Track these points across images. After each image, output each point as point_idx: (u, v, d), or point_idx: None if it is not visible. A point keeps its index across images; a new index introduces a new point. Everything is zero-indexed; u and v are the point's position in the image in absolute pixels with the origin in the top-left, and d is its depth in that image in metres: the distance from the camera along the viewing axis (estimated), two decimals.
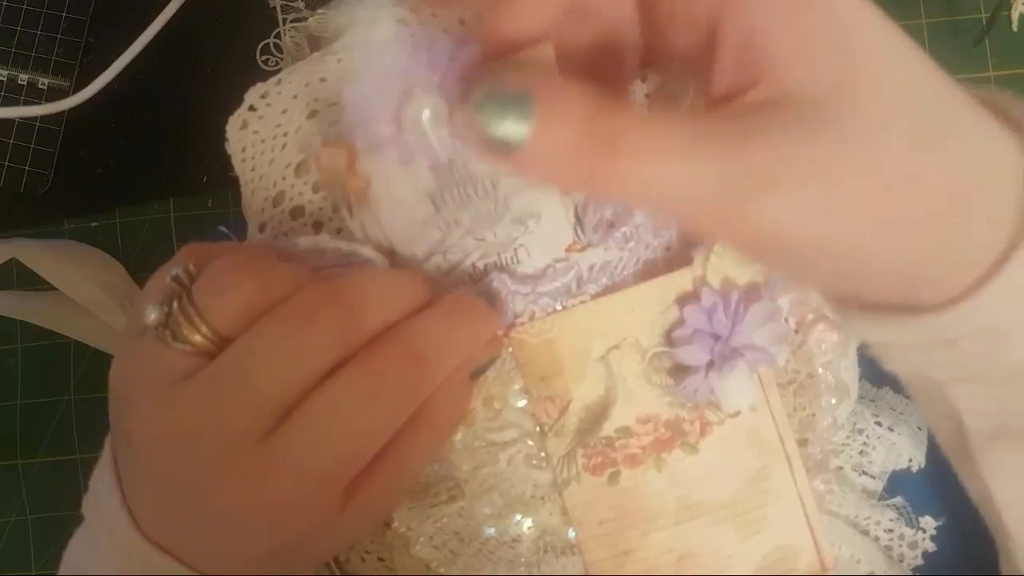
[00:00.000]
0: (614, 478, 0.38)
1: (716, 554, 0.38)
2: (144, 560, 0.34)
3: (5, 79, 0.59)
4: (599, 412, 0.38)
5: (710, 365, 0.37)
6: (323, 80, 0.43)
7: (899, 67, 0.29)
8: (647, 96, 0.40)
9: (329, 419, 0.32)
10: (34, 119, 0.59)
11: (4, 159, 0.59)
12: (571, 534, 0.39)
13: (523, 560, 0.39)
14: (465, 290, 0.38)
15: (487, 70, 0.29)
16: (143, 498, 0.34)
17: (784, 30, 0.27)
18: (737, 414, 0.38)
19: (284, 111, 0.43)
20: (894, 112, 0.27)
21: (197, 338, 0.32)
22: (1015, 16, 0.55)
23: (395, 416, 0.33)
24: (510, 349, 0.38)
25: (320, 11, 0.50)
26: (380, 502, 0.36)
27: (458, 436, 0.39)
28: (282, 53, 0.53)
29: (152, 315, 0.33)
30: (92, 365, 0.59)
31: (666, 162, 0.26)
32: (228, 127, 0.43)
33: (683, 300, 0.38)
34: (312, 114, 0.42)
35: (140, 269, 0.59)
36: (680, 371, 0.38)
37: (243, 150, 0.45)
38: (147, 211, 0.59)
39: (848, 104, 0.26)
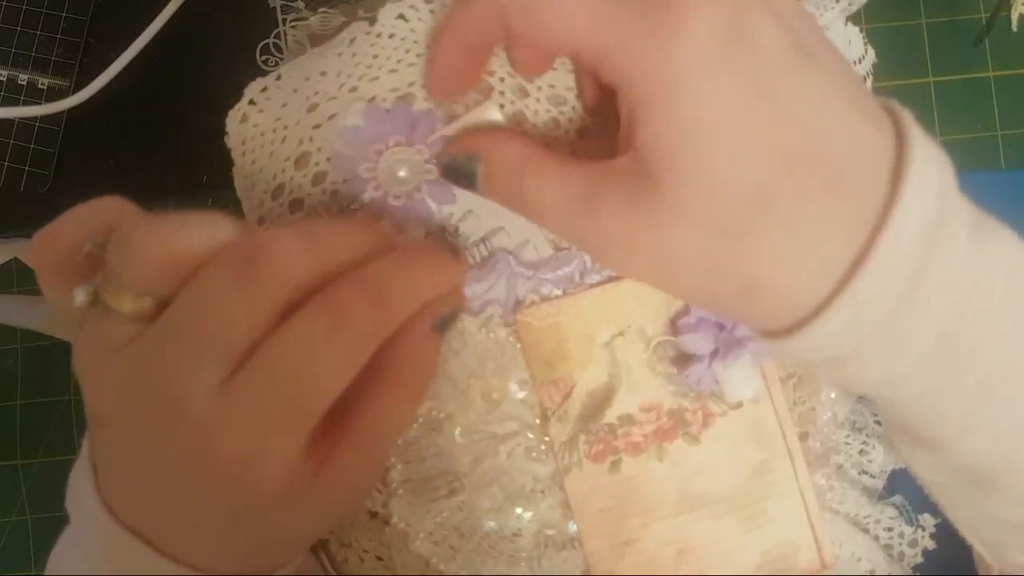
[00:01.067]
0: (615, 466, 0.39)
1: (715, 548, 0.39)
2: (118, 548, 0.33)
3: (5, 79, 0.59)
4: (602, 399, 0.38)
5: (714, 354, 0.37)
6: (323, 74, 0.43)
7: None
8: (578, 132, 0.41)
9: (286, 358, 0.30)
10: (34, 119, 0.59)
11: (4, 159, 0.59)
12: (572, 527, 0.39)
13: (523, 554, 0.39)
14: (428, 241, 0.39)
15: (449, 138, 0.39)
16: (115, 481, 0.33)
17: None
18: (740, 405, 0.39)
19: (284, 104, 0.43)
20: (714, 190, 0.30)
21: (128, 306, 0.31)
22: (1015, 16, 0.55)
23: (355, 353, 0.31)
24: (512, 338, 0.39)
25: (321, 10, 0.50)
26: (355, 469, 0.34)
27: (457, 430, 0.39)
28: (282, 53, 0.53)
29: (80, 297, 0.32)
30: None
31: (546, 213, 0.33)
32: (228, 120, 0.43)
33: None
34: (312, 107, 0.42)
35: None
36: (684, 360, 0.38)
37: (243, 143, 0.45)
38: (147, 211, 0.59)
39: (671, 179, 0.30)
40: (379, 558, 0.45)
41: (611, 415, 0.39)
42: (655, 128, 0.30)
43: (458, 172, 0.36)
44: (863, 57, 0.53)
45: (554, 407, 0.38)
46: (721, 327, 0.37)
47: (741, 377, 0.38)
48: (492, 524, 0.40)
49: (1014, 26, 0.56)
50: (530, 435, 0.39)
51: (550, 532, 0.40)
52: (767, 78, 0.29)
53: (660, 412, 0.39)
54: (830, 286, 0.29)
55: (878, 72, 0.54)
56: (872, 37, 0.54)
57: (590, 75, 0.37)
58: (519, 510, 0.39)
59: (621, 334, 0.38)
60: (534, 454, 0.39)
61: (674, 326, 0.38)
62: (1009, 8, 0.55)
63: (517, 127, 0.39)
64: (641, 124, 0.30)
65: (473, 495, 0.40)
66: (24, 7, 0.59)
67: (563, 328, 0.38)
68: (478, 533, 0.40)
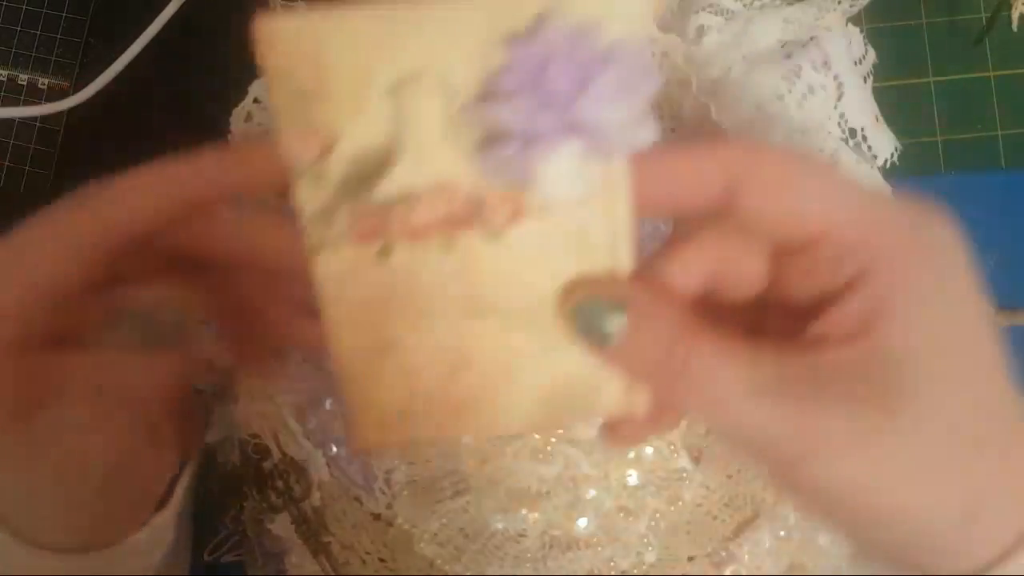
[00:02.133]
0: (385, 252, 0.30)
1: (500, 365, 0.31)
2: None
3: (5, 79, 0.59)
4: (376, 164, 0.29)
5: (528, 137, 0.28)
6: None
7: (973, 367, 0.30)
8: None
9: None
10: (34, 119, 0.58)
11: (4, 159, 0.59)
12: (578, 528, 0.39)
13: (529, 555, 0.39)
14: None
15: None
16: None
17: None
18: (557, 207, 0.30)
19: None
20: (949, 407, 0.29)
21: None
22: (1015, 16, 0.55)
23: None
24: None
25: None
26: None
27: None
28: None
29: None
30: None
31: (730, 402, 0.29)
32: (232, 119, 0.43)
33: (518, 34, 0.27)
34: None
35: None
36: (494, 133, 0.28)
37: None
38: None
39: (914, 387, 0.28)
40: (382, 560, 0.45)
41: (388, 188, 0.29)
42: (916, 329, 0.29)
43: (589, 321, 0.30)
44: (863, 57, 0.53)
45: (307, 163, 0.28)
46: (551, 100, 0.27)
47: (558, 173, 0.28)
48: (498, 525, 0.39)
49: (1014, 26, 0.56)
50: (536, 436, 0.39)
51: (556, 533, 0.40)
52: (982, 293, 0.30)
53: (454, 195, 0.29)
54: None
55: (878, 72, 0.54)
56: (872, 37, 0.54)
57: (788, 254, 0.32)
58: (524, 511, 0.39)
59: (414, 79, 0.28)
60: (540, 455, 0.39)
61: (490, 84, 0.28)
62: (1009, 8, 0.55)
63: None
64: (895, 321, 0.29)
65: (479, 496, 0.39)
66: (24, 7, 0.59)
67: (326, 53, 0.27)
68: (483, 534, 0.40)
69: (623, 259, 0.30)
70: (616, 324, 0.29)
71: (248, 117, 0.44)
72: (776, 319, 0.33)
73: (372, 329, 0.30)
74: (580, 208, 0.29)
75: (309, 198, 0.29)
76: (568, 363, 0.31)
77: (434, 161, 0.29)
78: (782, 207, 0.30)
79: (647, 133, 0.28)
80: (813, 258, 0.30)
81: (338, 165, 0.28)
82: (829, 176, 0.30)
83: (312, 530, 0.47)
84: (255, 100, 0.43)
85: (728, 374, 0.29)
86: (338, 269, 0.30)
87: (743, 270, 0.33)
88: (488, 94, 0.28)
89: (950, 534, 0.29)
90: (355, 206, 0.29)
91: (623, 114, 0.27)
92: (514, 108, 0.27)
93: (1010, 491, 0.30)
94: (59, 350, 0.33)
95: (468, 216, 0.29)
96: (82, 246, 0.33)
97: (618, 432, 0.34)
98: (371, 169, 0.29)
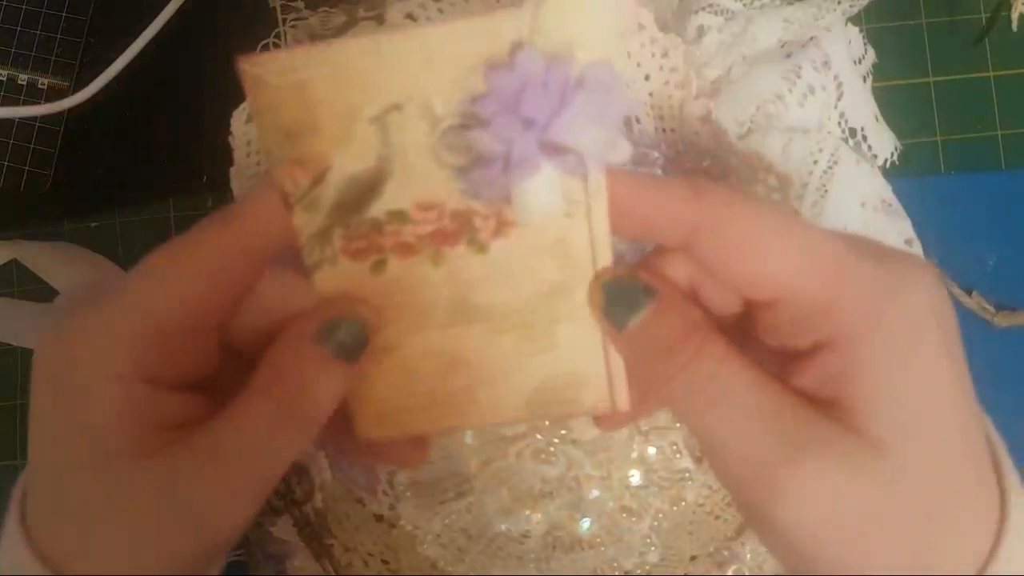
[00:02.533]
0: (379, 267, 0.32)
1: (490, 365, 0.33)
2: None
3: (5, 79, 0.59)
4: (366, 188, 0.31)
5: (508, 160, 0.29)
6: None
7: (942, 423, 0.30)
8: None
9: None
10: (34, 119, 0.58)
11: (4, 159, 0.59)
12: (581, 529, 0.39)
13: (532, 556, 0.39)
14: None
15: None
16: None
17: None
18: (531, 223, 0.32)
19: None
20: (913, 468, 0.29)
21: None
22: (1015, 16, 0.55)
23: None
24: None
25: (321, 10, 0.50)
26: (180, 475, 0.32)
27: (467, 433, 0.38)
28: None
29: None
30: None
31: (722, 407, 0.29)
32: (233, 120, 0.43)
33: (495, 61, 0.29)
34: None
35: None
36: (475, 157, 0.30)
37: (247, 143, 0.45)
38: (147, 211, 0.59)
39: (881, 449, 0.29)
40: (384, 562, 0.45)
41: (378, 209, 0.31)
42: (887, 393, 0.29)
43: (618, 298, 0.31)
44: (863, 57, 0.53)
45: (300, 193, 0.30)
46: (528, 124, 0.29)
47: (537, 194, 0.30)
48: (501, 526, 0.39)
49: (1014, 26, 0.56)
50: (539, 436, 0.39)
51: (559, 534, 0.40)
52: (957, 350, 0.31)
53: (442, 212, 0.31)
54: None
55: (878, 72, 0.54)
56: (872, 37, 0.54)
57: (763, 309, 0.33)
58: (527, 512, 0.39)
59: (398, 108, 0.29)
60: (543, 456, 0.39)
61: (470, 108, 0.30)
62: (1009, 8, 0.55)
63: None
64: (865, 385, 0.29)
65: (482, 497, 0.39)
66: (24, 7, 0.59)
67: (312, 89, 0.29)
68: (486, 535, 0.40)
69: (603, 265, 0.32)
70: (643, 305, 0.31)
71: (248, 119, 0.44)
72: (751, 346, 0.33)
73: (384, 338, 0.32)
74: (561, 219, 0.31)
75: (305, 222, 0.31)
76: (554, 363, 0.33)
77: (420, 182, 0.31)
78: (739, 268, 0.30)
79: (620, 151, 0.29)
80: (776, 314, 0.31)
81: (330, 191, 0.30)
82: (794, 236, 0.30)
83: (314, 532, 0.47)
84: None
85: (731, 381, 0.29)
86: (336, 284, 0.32)
87: (714, 295, 0.33)
88: (468, 119, 0.29)
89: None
90: (348, 227, 0.31)
91: (596, 135, 0.29)
92: (493, 132, 0.29)
93: (960, 545, 0.30)
94: (179, 393, 0.32)
95: (455, 231, 0.31)
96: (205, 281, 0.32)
97: (600, 421, 0.35)
98: (361, 192, 0.31)
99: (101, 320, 0.31)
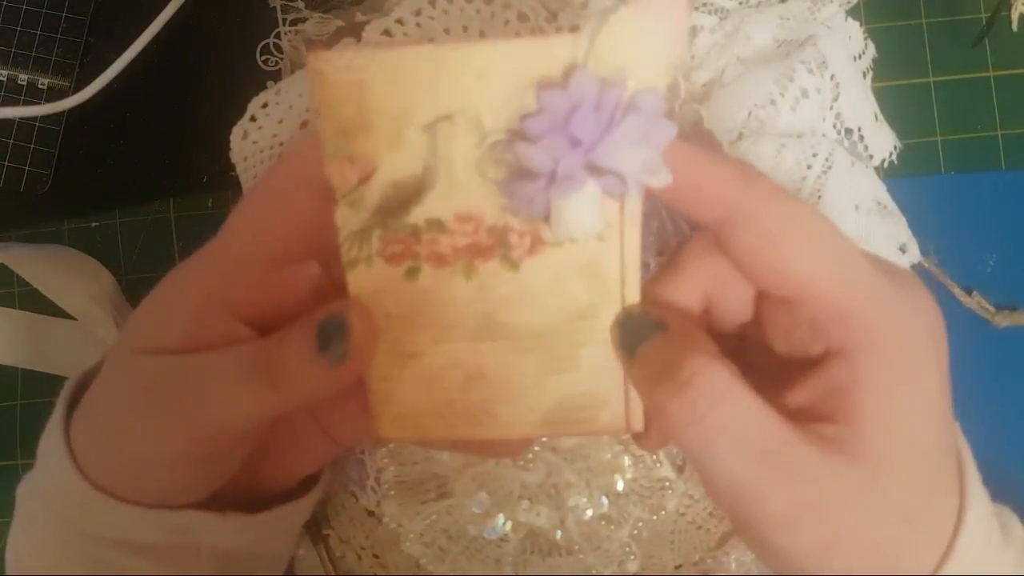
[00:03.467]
0: (413, 273, 0.33)
1: (511, 382, 0.34)
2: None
3: (5, 79, 0.59)
4: (410, 194, 0.32)
5: (552, 176, 0.30)
6: None
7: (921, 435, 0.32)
8: None
9: None
10: (34, 119, 0.59)
11: (4, 159, 0.59)
12: (559, 535, 0.39)
13: (509, 559, 0.39)
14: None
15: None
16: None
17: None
18: (570, 241, 0.33)
19: (280, 121, 0.44)
20: (902, 470, 0.31)
21: None
22: (1015, 16, 0.55)
23: None
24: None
25: (316, 15, 0.50)
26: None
27: None
28: (282, 53, 0.53)
29: None
30: None
31: (726, 442, 0.30)
32: (232, 137, 0.44)
33: (547, 81, 0.30)
34: (303, 124, 0.43)
35: (140, 270, 0.59)
36: (520, 171, 0.31)
37: (244, 159, 0.46)
38: (147, 211, 0.59)
39: (876, 467, 0.30)
40: (375, 556, 0.46)
41: (417, 216, 0.32)
42: (886, 410, 0.30)
43: (632, 326, 0.33)
44: (863, 53, 0.53)
45: (346, 189, 0.31)
46: (576, 143, 0.30)
47: (577, 211, 0.31)
48: (476, 529, 0.40)
49: (1014, 26, 0.56)
50: None
51: (537, 539, 0.40)
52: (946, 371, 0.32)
53: (479, 225, 0.32)
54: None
55: (878, 72, 0.54)
56: (872, 37, 0.54)
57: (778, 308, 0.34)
58: (503, 516, 0.39)
59: (449, 118, 0.30)
60: (522, 462, 0.39)
61: (520, 124, 0.30)
62: (1009, 8, 0.55)
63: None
64: (868, 402, 0.30)
65: (461, 499, 0.40)
66: (24, 7, 0.59)
67: (371, 91, 0.30)
68: (466, 536, 0.40)
69: (632, 290, 0.33)
70: (651, 337, 0.32)
71: (244, 136, 0.44)
72: (757, 355, 0.34)
73: (397, 339, 0.33)
74: (593, 242, 0.32)
75: (347, 220, 0.32)
76: (574, 383, 0.33)
77: (462, 194, 0.32)
78: (769, 259, 0.31)
79: (662, 176, 0.30)
80: (792, 315, 0.31)
81: (374, 192, 0.31)
82: (826, 240, 0.31)
83: (315, 520, 0.48)
84: (252, 118, 0.44)
85: (732, 414, 0.30)
86: (369, 284, 0.33)
87: (731, 297, 0.33)
88: (517, 134, 0.30)
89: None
90: (387, 230, 0.32)
91: (640, 159, 0.30)
92: (540, 149, 0.29)
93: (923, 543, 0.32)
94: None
95: (490, 246, 0.32)
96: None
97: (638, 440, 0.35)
98: (404, 197, 0.32)
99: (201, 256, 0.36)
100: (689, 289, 0.33)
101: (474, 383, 0.34)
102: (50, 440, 0.37)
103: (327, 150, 0.31)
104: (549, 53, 0.30)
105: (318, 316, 0.33)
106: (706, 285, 0.33)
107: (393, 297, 0.33)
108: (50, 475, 0.37)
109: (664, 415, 0.31)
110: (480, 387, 0.34)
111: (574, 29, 0.30)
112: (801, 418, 0.31)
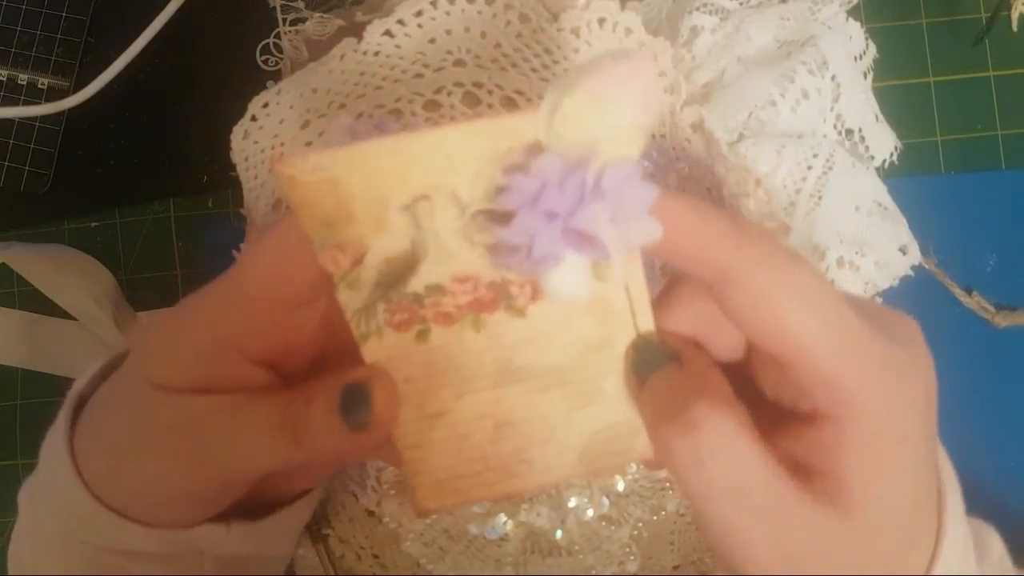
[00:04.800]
0: (423, 335, 0.33)
1: (539, 424, 0.34)
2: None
3: (5, 79, 0.59)
4: (404, 267, 0.32)
5: (530, 250, 0.30)
6: (314, 91, 0.44)
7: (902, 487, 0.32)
8: None
9: None
10: (34, 119, 0.59)
11: (4, 159, 0.59)
12: (558, 535, 0.38)
13: (509, 560, 0.39)
14: None
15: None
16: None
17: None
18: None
19: (281, 121, 0.44)
20: (886, 524, 0.32)
21: None
22: (1015, 16, 0.55)
23: None
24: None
25: (317, 15, 0.50)
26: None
27: None
28: (282, 53, 0.53)
29: None
30: None
31: (723, 487, 0.30)
32: (232, 137, 0.44)
33: (512, 164, 0.30)
34: (304, 124, 0.43)
35: (140, 270, 0.59)
36: (501, 246, 0.31)
37: (245, 159, 0.46)
38: (147, 211, 0.59)
39: (864, 520, 0.31)
40: (375, 555, 0.46)
41: (416, 284, 0.32)
42: (874, 471, 0.31)
43: (645, 354, 0.33)
44: (864, 52, 0.53)
45: (343, 273, 0.32)
46: (552, 216, 0.29)
47: (562, 282, 0.31)
48: (477, 529, 0.40)
49: (1014, 26, 0.56)
50: None
51: (537, 539, 0.40)
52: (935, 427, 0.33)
53: (478, 283, 0.32)
54: None
55: (878, 72, 0.54)
56: (872, 37, 0.54)
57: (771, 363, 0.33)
58: (504, 516, 0.39)
59: (426, 197, 0.31)
60: None
61: (495, 197, 0.30)
62: (1009, 8, 0.55)
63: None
64: (855, 463, 0.31)
65: None
66: (24, 7, 0.59)
67: (344, 185, 0.30)
68: (466, 536, 0.40)
69: (644, 318, 0.33)
70: (663, 367, 0.32)
71: (245, 135, 0.44)
72: (748, 391, 0.34)
73: (420, 402, 0.33)
74: (595, 283, 0.32)
75: (350, 300, 0.32)
76: (602, 415, 0.34)
77: (455, 259, 0.32)
78: (761, 321, 0.30)
79: (648, 234, 0.30)
80: (782, 372, 0.31)
81: (370, 271, 0.32)
82: (820, 304, 0.30)
83: (315, 520, 0.48)
84: (252, 118, 0.44)
85: (733, 460, 0.30)
86: (384, 353, 0.33)
87: (721, 340, 0.33)
88: (492, 209, 0.30)
89: None
90: (390, 302, 0.32)
91: (618, 232, 0.29)
92: (515, 229, 0.29)
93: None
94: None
95: (492, 299, 0.32)
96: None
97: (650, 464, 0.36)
98: (400, 271, 0.32)
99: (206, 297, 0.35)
100: (682, 320, 0.33)
101: (503, 431, 0.34)
102: (53, 449, 0.37)
103: (315, 243, 0.31)
104: (513, 130, 0.30)
105: (342, 382, 0.33)
106: (695, 327, 0.33)
107: (408, 361, 0.33)
108: (53, 483, 0.37)
109: (666, 451, 0.31)
110: (510, 435, 0.34)
111: (540, 99, 0.29)
112: (792, 465, 0.31)
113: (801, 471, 0.31)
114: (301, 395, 0.34)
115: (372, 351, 0.33)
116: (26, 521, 0.39)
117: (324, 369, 0.37)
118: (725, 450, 0.30)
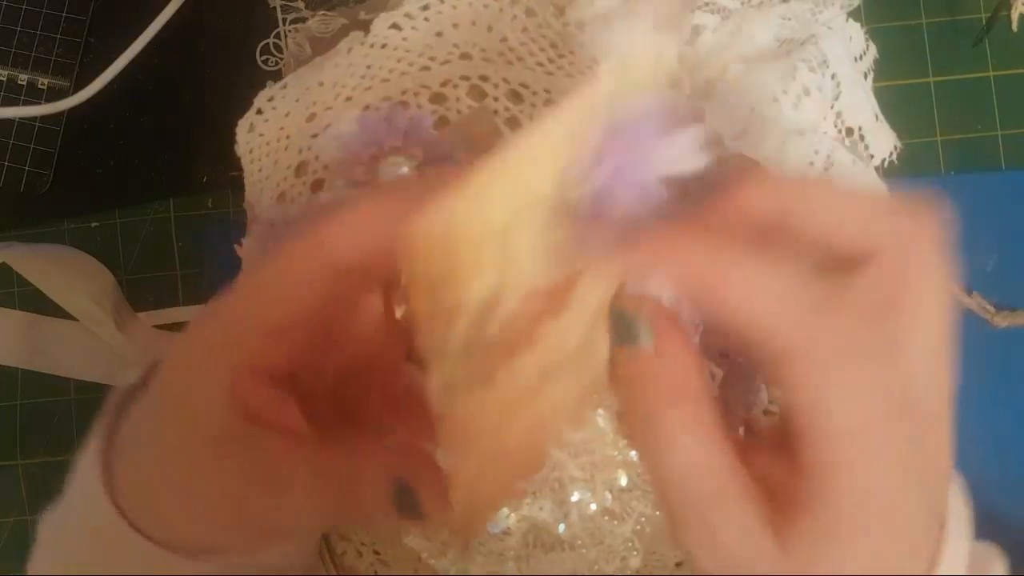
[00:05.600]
0: (489, 380, 0.30)
1: (562, 414, 0.34)
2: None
3: (5, 79, 0.59)
4: (489, 310, 0.29)
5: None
6: (321, 84, 0.44)
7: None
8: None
9: None
10: (34, 119, 0.59)
11: (4, 159, 0.59)
12: (561, 529, 0.39)
13: (511, 553, 0.39)
14: None
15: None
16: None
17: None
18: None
19: (287, 114, 0.44)
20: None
21: None
22: (1015, 16, 0.55)
23: None
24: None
25: (320, 13, 0.50)
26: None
27: None
28: (282, 53, 0.53)
29: None
30: None
31: (689, 485, 0.30)
32: (237, 130, 0.44)
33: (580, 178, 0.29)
34: (311, 117, 0.43)
35: (140, 270, 0.59)
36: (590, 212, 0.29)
37: (250, 152, 0.46)
38: (147, 211, 0.59)
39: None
40: (376, 552, 0.46)
41: (494, 327, 0.29)
42: (854, 469, 0.29)
43: (621, 325, 0.32)
44: (864, 53, 0.53)
45: (434, 342, 0.29)
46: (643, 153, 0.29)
47: (680, 155, 0.30)
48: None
49: (1014, 26, 0.56)
50: None
51: (540, 533, 0.40)
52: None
53: (537, 296, 0.30)
54: None
55: (878, 72, 0.54)
56: (872, 37, 0.54)
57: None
58: (507, 510, 0.39)
59: (517, 212, 0.28)
60: None
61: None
62: (1009, 8, 0.55)
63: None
64: (834, 466, 0.29)
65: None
66: (24, 7, 0.59)
67: (457, 222, 0.26)
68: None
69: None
70: (643, 337, 0.31)
71: (250, 128, 0.44)
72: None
73: (489, 445, 0.31)
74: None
75: (437, 370, 0.29)
76: None
77: (526, 278, 0.29)
78: (803, 399, 0.29)
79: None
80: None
81: (456, 335, 0.28)
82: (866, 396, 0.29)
83: None
84: (258, 111, 0.44)
85: (700, 462, 0.30)
86: (464, 413, 0.30)
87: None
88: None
89: None
90: (469, 364, 0.29)
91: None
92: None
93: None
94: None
95: (545, 308, 0.30)
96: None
97: None
98: (483, 319, 0.29)
99: (219, 318, 0.34)
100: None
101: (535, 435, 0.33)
102: (87, 481, 0.36)
103: (416, 316, 0.28)
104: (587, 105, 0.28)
105: (393, 476, 0.33)
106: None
107: (483, 411, 0.30)
108: (88, 515, 0.37)
109: (630, 422, 0.31)
110: (523, 419, 0.32)
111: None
112: (764, 485, 0.31)
113: (773, 492, 0.30)
114: (349, 472, 0.33)
115: (453, 419, 0.30)
116: (50, 550, 0.39)
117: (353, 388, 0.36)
118: (699, 453, 0.30)
